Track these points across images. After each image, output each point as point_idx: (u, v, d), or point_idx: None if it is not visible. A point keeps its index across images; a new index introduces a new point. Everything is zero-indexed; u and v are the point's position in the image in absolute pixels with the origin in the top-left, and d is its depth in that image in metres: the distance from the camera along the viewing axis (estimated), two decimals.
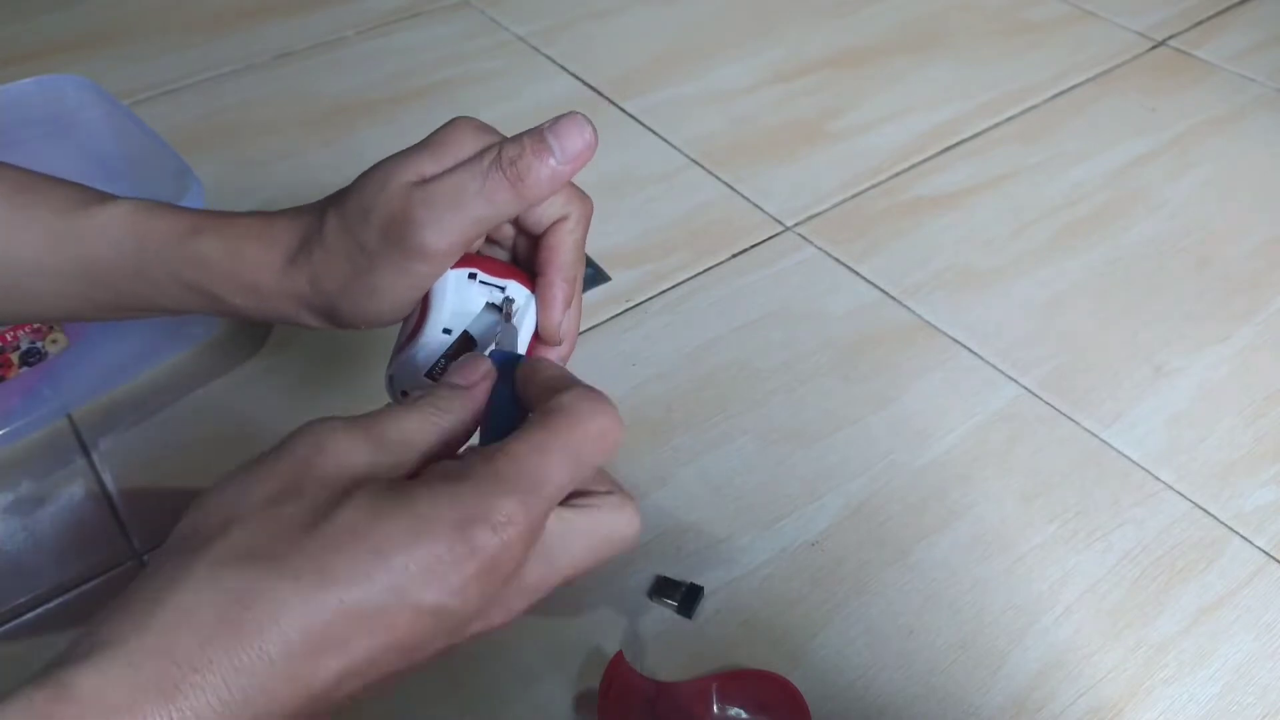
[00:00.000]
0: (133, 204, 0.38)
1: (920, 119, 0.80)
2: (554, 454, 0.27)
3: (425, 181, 0.36)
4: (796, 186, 0.73)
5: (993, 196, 0.73)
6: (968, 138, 0.78)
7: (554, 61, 0.86)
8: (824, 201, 0.72)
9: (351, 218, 0.36)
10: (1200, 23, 0.93)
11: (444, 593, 0.25)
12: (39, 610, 0.47)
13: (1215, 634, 0.47)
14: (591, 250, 0.67)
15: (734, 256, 0.67)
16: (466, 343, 0.37)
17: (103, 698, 0.22)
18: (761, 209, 0.71)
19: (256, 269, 0.37)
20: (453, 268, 0.36)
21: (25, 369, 0.57)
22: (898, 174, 0.74)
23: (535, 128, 0.34)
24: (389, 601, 0.24)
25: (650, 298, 0.64)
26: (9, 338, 0.57)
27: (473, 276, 0.37)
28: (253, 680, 0.23)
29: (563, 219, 0.37)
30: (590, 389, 0.29)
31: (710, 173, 0.74)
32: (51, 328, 0.58)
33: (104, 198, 0.39)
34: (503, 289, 0.37)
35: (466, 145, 0.36)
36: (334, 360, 0.59)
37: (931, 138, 0.78)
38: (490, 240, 0.39)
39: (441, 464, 0.28)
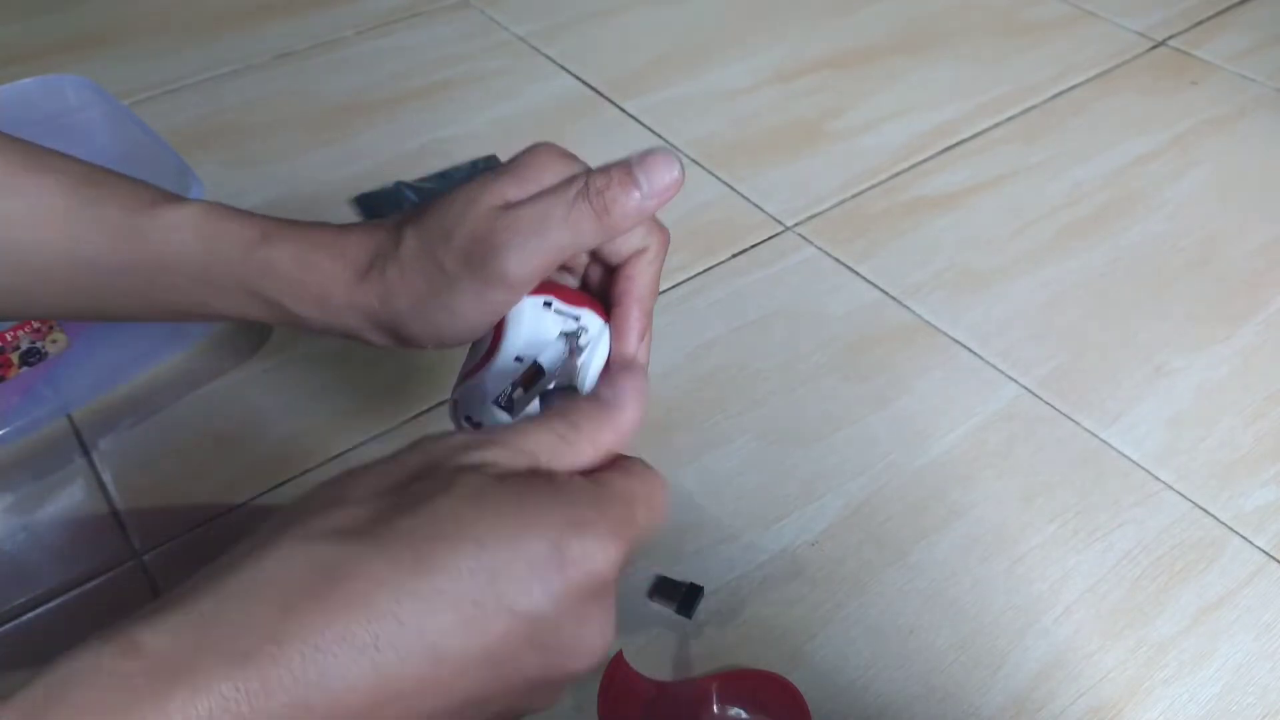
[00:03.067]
0: (203, 206, 0.38)
1: (920, 119, 0.80)
2: (639, 504, 0.27)
3: (510, 206, 0.35)
4: (796, 186, 0.73)
5: (993, 196, 0.73)
6: (968, 138, 0.78)
7: (554, 61, 0.86)
8: (824, 201, 0.72)
9: (432, 237, 0.35)
10: (1200, 23, 0.93)
11: (541, 597, 0.24)
12: (39, 610, 0.47)
13: (1215, 634, 0.47)
14: None
15: (734, 256, 0.67)
16: (536, 372, 0.36)
17: (170, 656, 0.21)
18: (761, 209, 0.71)
19: (327, 280, 0.36)
20: (528, 294, 0.36)
21: (25, 369, 0.57)
22: (898, 174, 0.74)
23: (623, 160, 0.34)
24: (485, 598, 0.23)
25: None
26: (9, 337, 0.57)
27: (548, 305, 0.37)
28: (333, 662, 0.21)
29: (642, 250, 0.37)
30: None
31: (710, 173, 0.74)
32: (51, 327, 0.58)
33: (173, 198, 0.38)
34: (577, 318, 0.37)
35: (549, 172, 0.37)
36: (334, 361, 0.59)
37: (931, 138, 0.78)
38: (563, 267, 0.39)
39: (551, 472, 0.27)
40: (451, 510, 0.24)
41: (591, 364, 0.37)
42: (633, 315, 0.37)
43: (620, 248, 0.37)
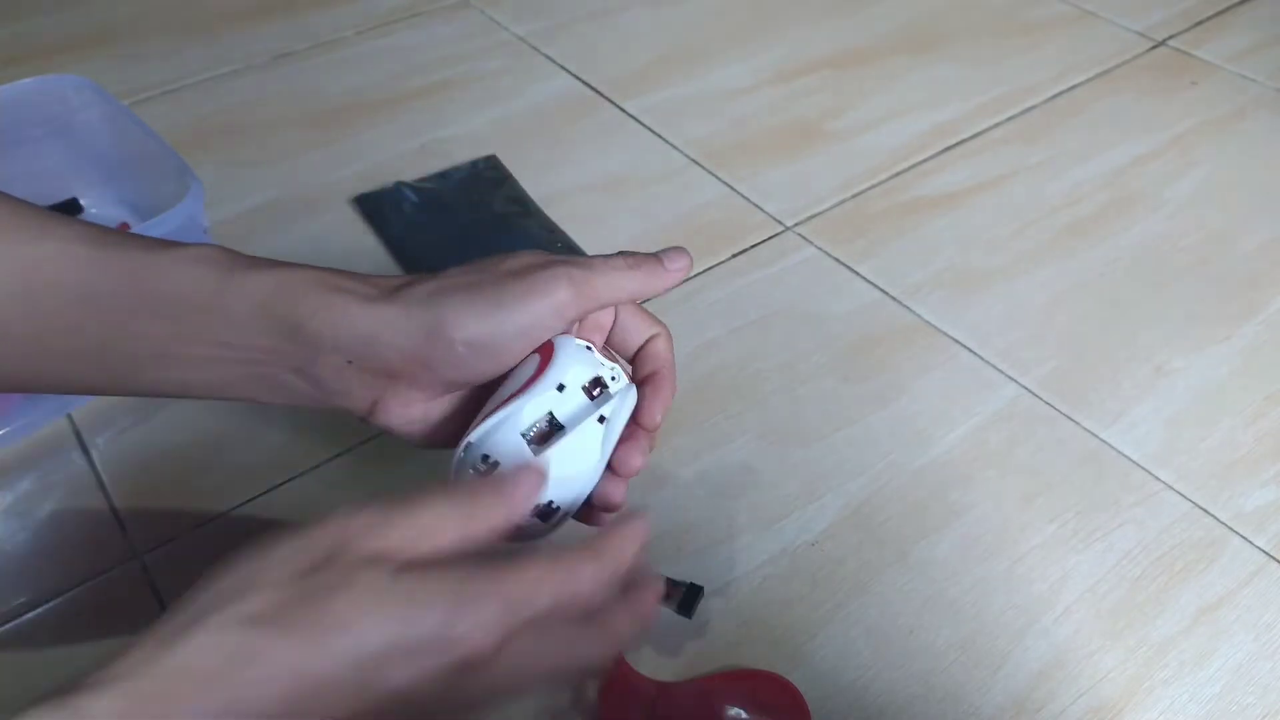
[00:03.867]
0: (217, 246, 0.38)
1: (920, 119, 0.80)
2: (546, 587, 0.30)
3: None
4: (796, 186, 0.73)
5: (993, 196, 0.73)
6: (968, 138, 0.78)
7: (554, 61, 0.86)
8: (824, 201, 0.72)
9: (479, 264, 0.38)
10: (1200, 23, 0.93)
11: (417, 678, 0.28)
12: (39, 610, 0.47)
13: (1215, 634, 0.47)
14: (591, 250, 0.67)
15: (734, 256, 0.67)
16: (553, 428, 0.37)
17: None
18: (761, 209, 0.71)
19: (351, 296, 0.36)
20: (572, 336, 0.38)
21: None
22: (898, 174, 0.74)
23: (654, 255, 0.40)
24: (371, 681, 0.28)
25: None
26: None
27: (589, 348, 0.38)
28: None
29: (655, 336, 0.41)
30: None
31: (710, 173, 0.74)
32: None
33: (185, 243, 0.38)
34: (613, 367, 0.38)
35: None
36: None
37: (931, 138, 0.78)
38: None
39: (446, 560, 0.30)
40: (347, 606, 0.28)
41: (617, 419, 0.37)
42: (668, 382, 0.40)
43: (636, 336, 0.41)
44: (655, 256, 0.40)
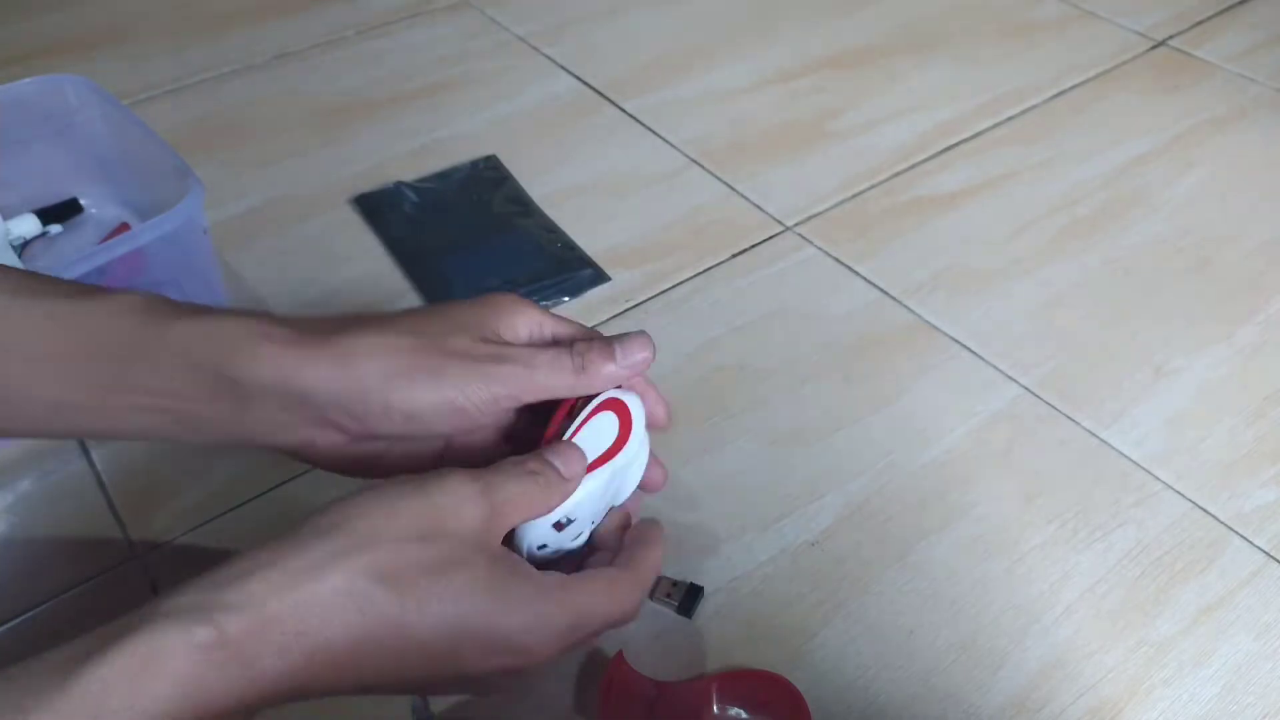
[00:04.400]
0: (141, 292, 0.37)
1: (920, 119, 0.80)
2: (604, 613, 0.36)
3: (501, 342, 0.40)
4: (796, 186, 0.73)
5: (993, 196, 0.73)
6: (968, 138, 0.78)
7: (554, 62, 0.86)
8: (824, 201, 0.72)
9: (431, 325, 0.39)
10: (1200, 23, 0.93)
11: (479, 664, 0.33)
12: (39, 609, 0.47)
13: (1215, 634, 0.47)
14: (591, 250, 0.67)
15: (734, 256, 0.67)
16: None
17: (240, 637, 0.29)
18: (761, 209, 0.71)
19: (272, 341, 0.36)
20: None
21: None
22: (898, 174, 0.74)
23: (608, 336, 0.40)
24: (448, 654, 0.32)
25: (650, 298, 0.64)
26: None
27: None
28: (322, 663, 0.30)
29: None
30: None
31: (710, 173, 0.74)
32: None
33: (109, 289, 0.38)
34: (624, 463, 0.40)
35: (521, 318, 0.41)
36: None
37: (931, 138, 0.78)
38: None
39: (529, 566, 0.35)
40: (451, 588, 0.32)
41: (628, 477, 0.41)
42: (648, 390, 0.42)
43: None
44: (610, 348, 0.39)
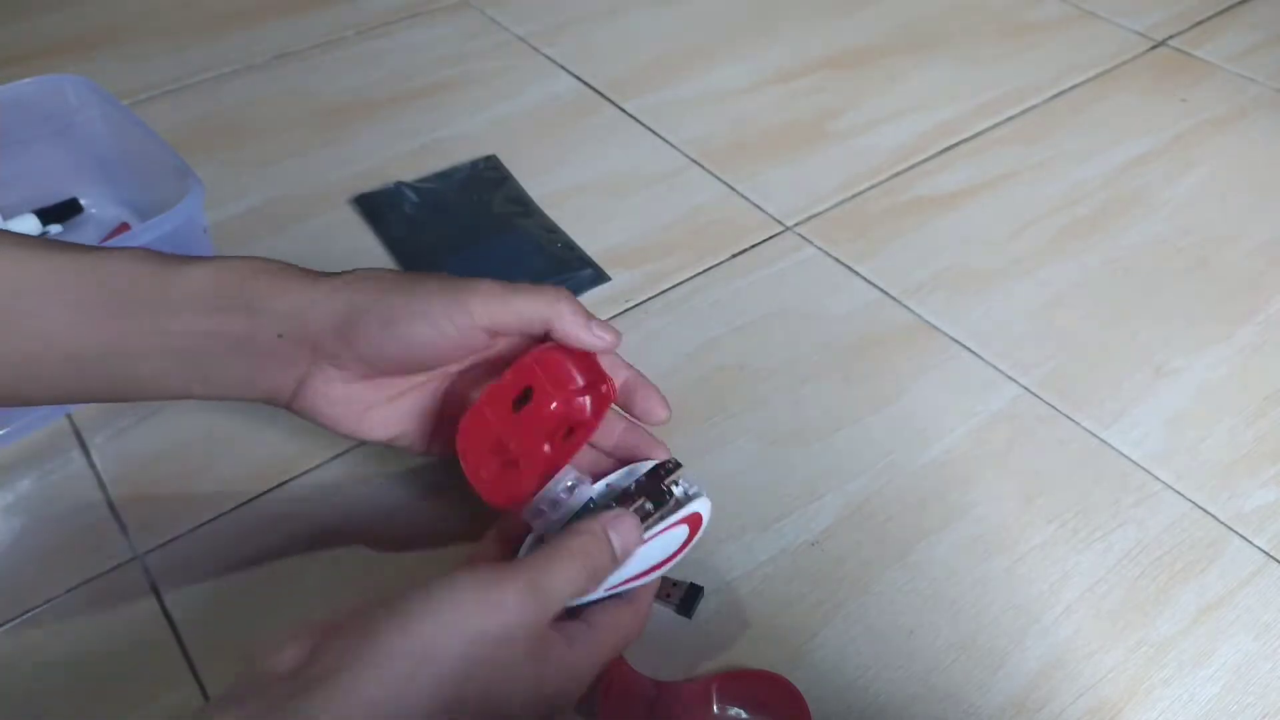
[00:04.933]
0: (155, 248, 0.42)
1: (920, 119, 0.80)
2: (611, 652, 0.39)
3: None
4: (796, 186, 0.73)
5: (993, 196, 0.73)
6: (968, 138, 0.78)
7: (554, 62, 0.86)
8: (824, 201, 0.72)
9: (412, 275, 0.42)
10: (1200, 23, 0.93)
11: None
12: (39, 609, 0.47)
13: (1215, 634, 0.47)
14: (591, 250, 0.67)
15: (734, 256, 0.67)
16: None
17: None
18: (761, 209, 0.71)
19: (284, 276, 0.41)
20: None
21: None
22: (898, 174, 0.74)
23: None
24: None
25: (650, 298, 0.64)
26: None
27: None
28: None
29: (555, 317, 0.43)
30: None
31: (710, 173, 0.74)
32: None
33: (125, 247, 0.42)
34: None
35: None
36: None
37: (931, 138, 0.78)
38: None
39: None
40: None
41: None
42: (643, 384, 0.45)
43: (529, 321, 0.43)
44: (587, 318, 0.42)
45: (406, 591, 0.33)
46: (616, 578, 0.39)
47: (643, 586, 0.40)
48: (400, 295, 0.40)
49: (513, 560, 0.36)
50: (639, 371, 0.45)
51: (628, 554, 0.38)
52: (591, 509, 0.41)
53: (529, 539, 0.41)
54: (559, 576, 0.35)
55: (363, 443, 0.55)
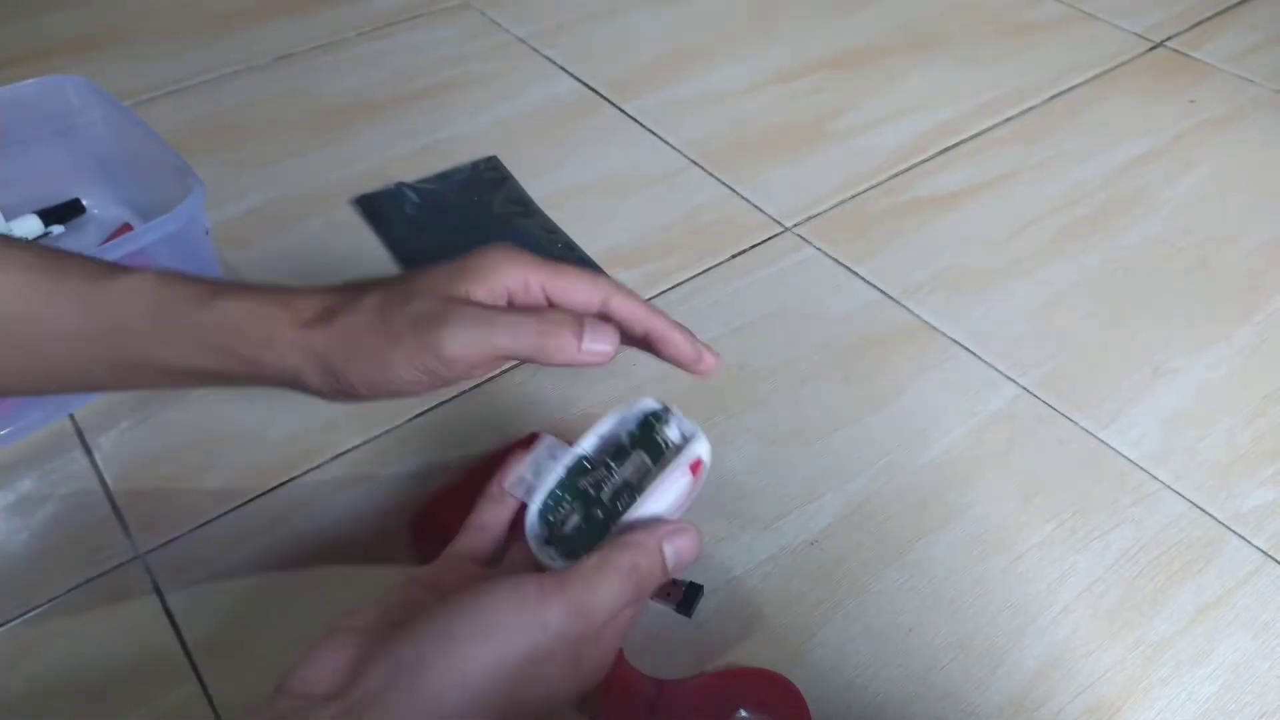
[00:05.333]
0: (157, 271, 0.40)
1: (920, 119, 0.80)
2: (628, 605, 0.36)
3: (469, 301, 0.39)
4: (796, 187, 0.73)
5: (993, 197, 0.73)
6: (967, 138, 0.78)
7: (554, 63, 0.86)
8: (824, 202, 0.72)
9: (390, 301, 0.39)
10: (1199, 24, 0.93)
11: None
12: (40, 609, 0.47)
13: (1213, 633, 0.47)
14: (591, 250, 0.67)
15: (734, 257, 0.67)
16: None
17: None
18: (761, 209, 0.71)
19: (275, 324, 0.39)
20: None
21: None
22: (897, 174, 0.75)
23: (580, 316, 0.39)
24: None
25: (650, 298, 0.64)
26: None
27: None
28: None
29: (607, 297, 0.41)
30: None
31: (710, 173, 0.74)
32: None
33: (128, 268, 0.41)
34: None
35: (506, 276, 0.40)
36: None
37: (931, 138, 0.78)
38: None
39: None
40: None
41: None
42: (666, 326, 0.43)
43: (579, 300, 0.41)
44: (579, 327, 0.39)
45: (450, 605, 0.33)
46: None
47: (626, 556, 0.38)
48: (375, 337, 0.38)
49: (557, 573, 0.35)
50: (670, 321, 0.44)
51: (682, 570, 0.38)
52: (587, 468, 0.40)
53: (529, 516, 0.40)
54: (604, 594, 0.35)
55: (383, 421, 0.55)
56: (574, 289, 0.41)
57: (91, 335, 0.39)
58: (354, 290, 0.40)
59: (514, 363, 0.58)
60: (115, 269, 0.40)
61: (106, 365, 0.40)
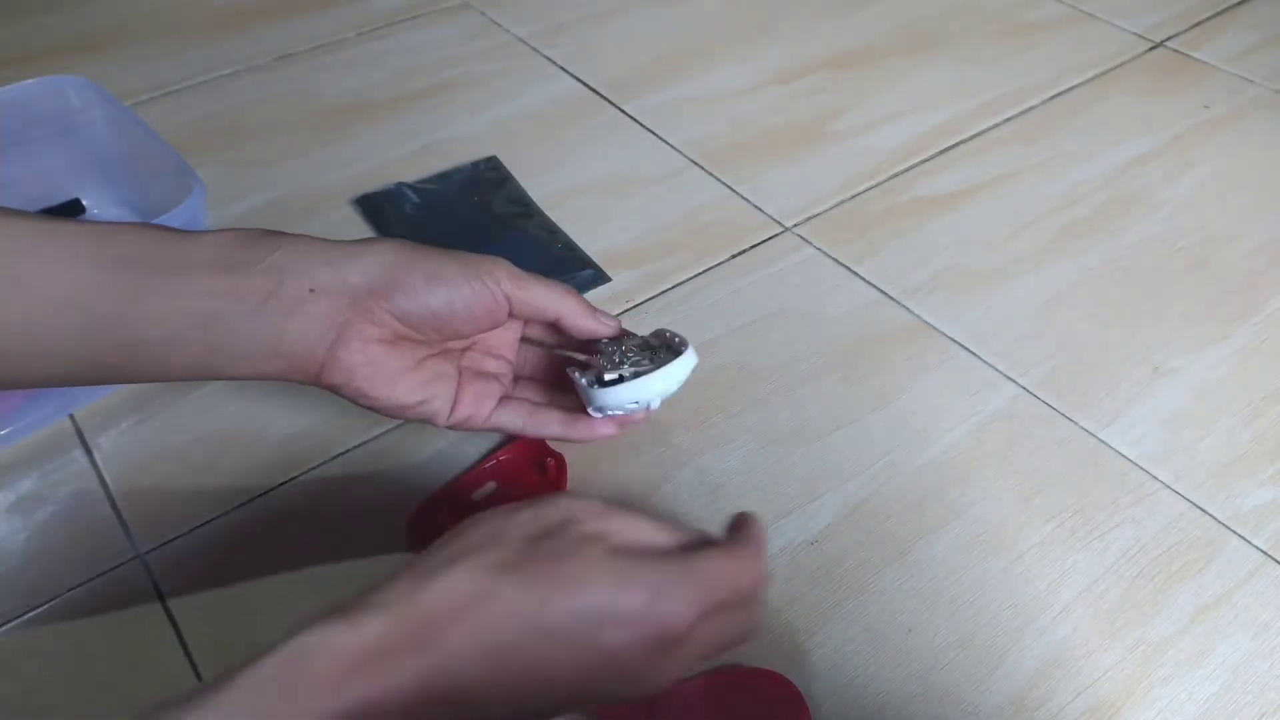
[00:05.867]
0: (141, 224, 0.41)
1: (920, 119, 0.80)
2: (723, 577, 0.34)
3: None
4: (796, 187, 0.73)
5: (992, 197, 0.73)
6: (967, 138, 0.78)
7: (554, 63, 0.86)
8: (824, 202, 0.72)
9: (429, 246, 0.44)
10: (1198, 24, 0.93)
11: (625, 641, 0.32)
12: (41, 609, 0.47)
13: (1213, 633, 0.47)
14: (591, 251, 0.67)
15: (734, 257, 0.67)
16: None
17: (380, 643, 0.30)
18: (761, 210, 0.71)
19: (326, 256, 0.41)
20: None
21: None
22: (897, 174, 0.75)
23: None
24: (585, 638, 0.32)
25: (650, 298, 0.64)
26: None
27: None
28: (465, 662, 0.30)
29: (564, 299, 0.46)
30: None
31: (710, 174, 0.74)
32: None
33: (115, 224, 0.41)
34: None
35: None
36: None
37: (931, 138, 0.78)
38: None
39: (652, 547, 0.35)
40: (574, 569, 0.32)
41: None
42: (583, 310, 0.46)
43: (542, 307, 0.46)
44: (592, 310, 0.46)
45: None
46: (616, 404, 0.45)
47: (738, 541, 0.38)
48: (437, 255, 0.42)
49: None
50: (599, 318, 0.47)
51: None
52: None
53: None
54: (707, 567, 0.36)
55: (383, 420, 0.55)
56: (538, 292, 0.45)
57: (99, 265, 0.38)
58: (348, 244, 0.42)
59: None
60: (121, 223, 0.40)
61: (113, 306, 0.38)
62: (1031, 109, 0.82)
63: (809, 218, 0.71)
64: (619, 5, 0.94)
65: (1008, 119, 0.81)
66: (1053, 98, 0.83)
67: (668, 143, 0.77)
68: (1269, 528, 0.52)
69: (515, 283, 0.43)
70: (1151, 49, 0.90)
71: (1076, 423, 0.57)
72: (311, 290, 0.40)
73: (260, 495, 0.52)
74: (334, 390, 0.42)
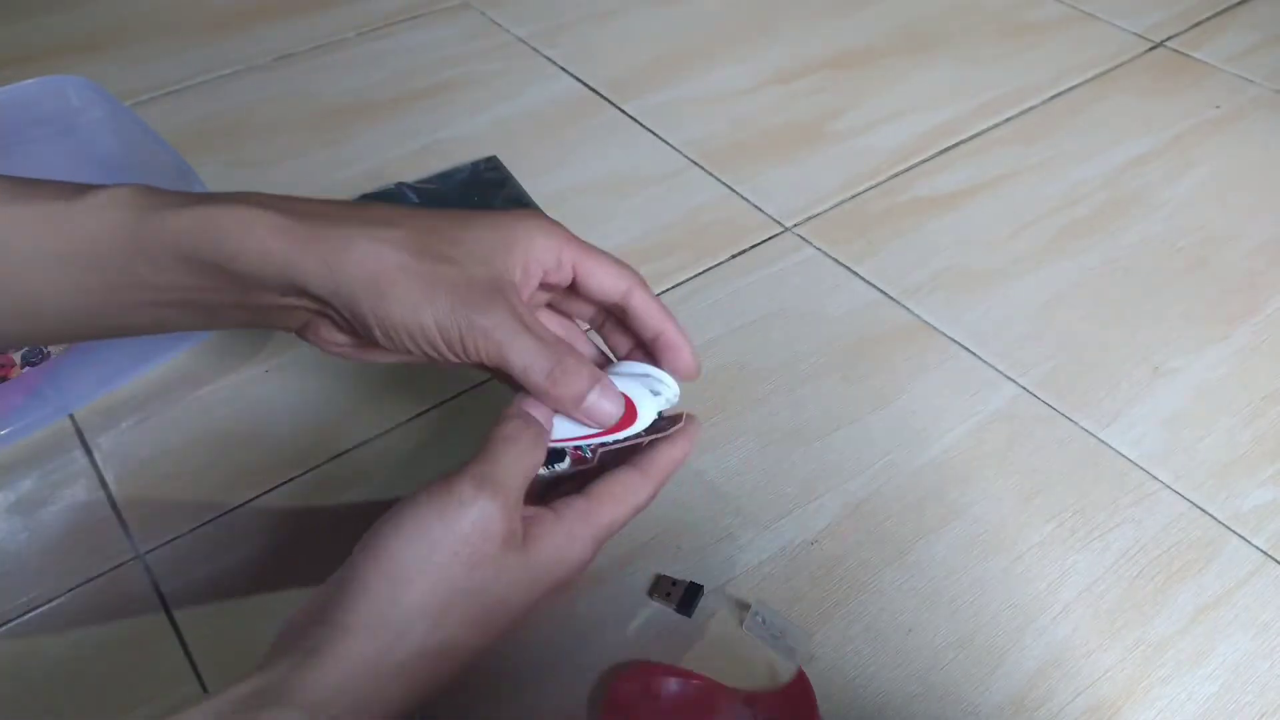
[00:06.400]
0: (134, 185, 0.37)
1: (920, 119, 0.80)
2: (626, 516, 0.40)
3: (514, 289, 0.40)
4: (796, 187, 0.73)
5: (992, 197, 0.73)
6: (967, 138, 0.78)
7: (554, 63, 0.86)
8: (823, 202, 0.72)
9: (430, 245, 0.38)
10: (1199, 24, 0.93)
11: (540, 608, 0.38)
12: (41, 609, 0.47)
13: (1213, 633, 0.47)
14: None
15: (734, 257, 0.67)
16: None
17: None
18: (761, 210, 0.71)
19: (272, 228, 0.35)
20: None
21: (28, 368, 0.57)
22: (897, 174, 0.75)
23: (598, 375, 0.40)
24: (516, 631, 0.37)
25: None
26: None
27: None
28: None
29: (631, 290, 0.42)
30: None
31: (710, 174, 0.74)
32: None
33: (99, 186, 0.38)
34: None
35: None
36: (335, 361, 0.59)
37: (931, 138, 0.78)
38: (562, 312, 0.46)
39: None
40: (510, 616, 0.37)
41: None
42: (675, 332, 0.43)
43: (604, 286, 0.42)
44: (591, 379, 0.40)
45: (376, 525, 0.35)
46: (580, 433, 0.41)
47: (636, 475, 0.40)
48: (411, 281, 0.36)
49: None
50: (680, 329, 0.44)
51: (566, 401, 0.38)
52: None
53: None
54: (501, 461, 0.36)
55: (383, 420, 0.55)
56: (601, 273, 0.41)
57: (68, 260, 0.36)
58: (362, 211, 0.37)
59: None
60: (87, 188, 0.37)
61: (85, 295, 0.36)
62: (1031, 109, 0.82)
63: (809, 218, 0.71)
64: (619, 5, 0.94)
65: (1008, 119, 0.81)
66: (1053, 98, 0.83)
67: (668, 143, 0.77)
68: (1269, 528, 0.52)
69: (492, 350, 0.37)
70: (1151, 49, 0.90)
71: (1076, 423, 0.57)
72: (281, 296, 0.37)
73: (260, 495, 0.52)
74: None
